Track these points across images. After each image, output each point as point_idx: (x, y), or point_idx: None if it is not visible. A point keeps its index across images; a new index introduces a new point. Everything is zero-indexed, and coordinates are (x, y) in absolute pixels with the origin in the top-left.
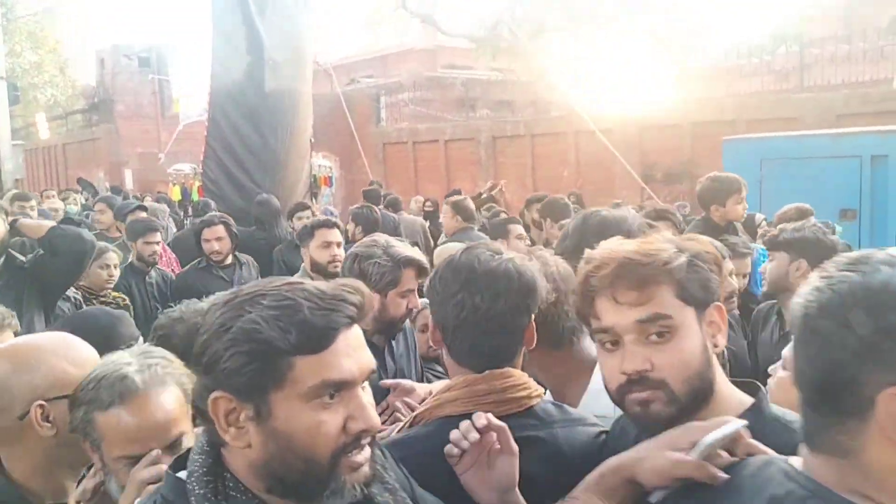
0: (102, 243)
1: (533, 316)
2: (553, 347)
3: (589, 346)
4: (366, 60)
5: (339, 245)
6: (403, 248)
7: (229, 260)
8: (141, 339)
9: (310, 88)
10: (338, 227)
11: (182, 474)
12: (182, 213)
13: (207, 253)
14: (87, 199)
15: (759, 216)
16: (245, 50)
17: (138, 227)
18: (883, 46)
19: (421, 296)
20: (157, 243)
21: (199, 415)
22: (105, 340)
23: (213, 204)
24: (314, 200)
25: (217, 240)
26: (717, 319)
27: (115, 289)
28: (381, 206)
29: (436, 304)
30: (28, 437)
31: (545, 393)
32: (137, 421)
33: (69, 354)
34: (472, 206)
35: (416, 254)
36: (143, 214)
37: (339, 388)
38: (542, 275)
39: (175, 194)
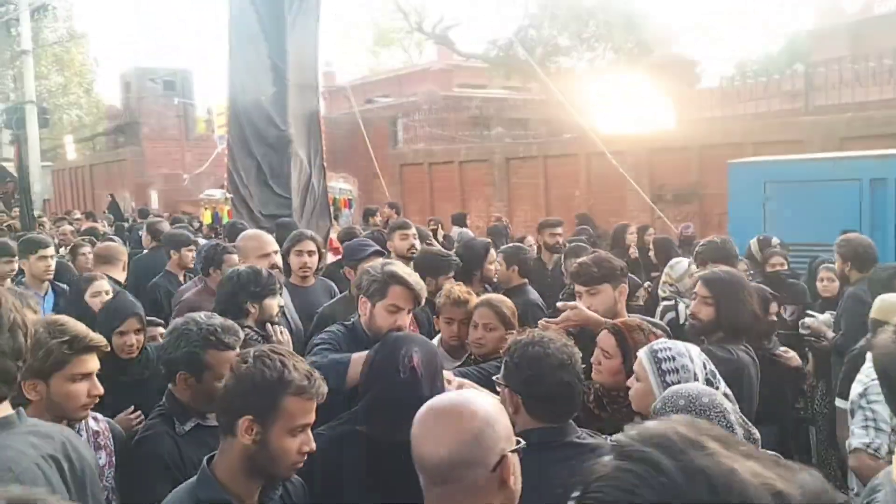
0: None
1: None
2: None
3: None
4: (381, 80)
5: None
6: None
7: None
8: None
9: (319, 109)
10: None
11: None
12: (213, 235)
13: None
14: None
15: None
16: (271, 81)
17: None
18: (892, 67)
19: None
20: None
21: None
22: None
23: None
24: (335, 222)
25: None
26: None
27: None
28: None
29: None
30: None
31: None
32: None
33: None
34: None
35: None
36: None
37: None
38: None
39: (207, 218)
